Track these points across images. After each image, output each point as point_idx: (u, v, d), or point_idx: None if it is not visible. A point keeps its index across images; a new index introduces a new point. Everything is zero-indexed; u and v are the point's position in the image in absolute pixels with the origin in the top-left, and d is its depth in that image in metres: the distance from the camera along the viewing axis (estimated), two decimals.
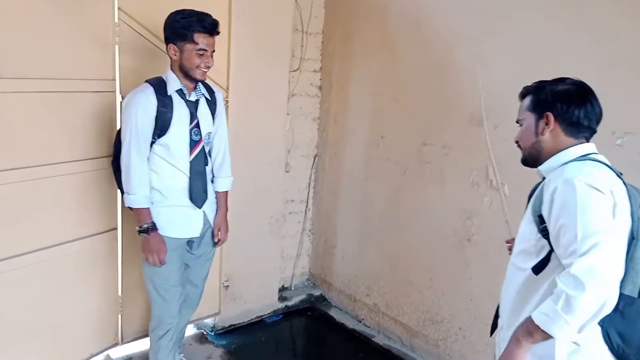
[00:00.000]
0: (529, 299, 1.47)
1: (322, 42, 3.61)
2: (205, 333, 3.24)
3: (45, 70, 2.18)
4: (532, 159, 1.55)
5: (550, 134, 1.48)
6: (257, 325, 3.42)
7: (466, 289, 2.79)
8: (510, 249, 1.74)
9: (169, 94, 2.20)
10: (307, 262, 3.94)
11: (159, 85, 2.19)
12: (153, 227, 2.23)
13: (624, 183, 1.40)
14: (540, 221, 1.43)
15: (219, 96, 2.46)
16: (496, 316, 1.69)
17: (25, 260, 2.24)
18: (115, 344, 2.74)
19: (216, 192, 2.51)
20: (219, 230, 2.53)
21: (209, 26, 2.14)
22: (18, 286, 2.24)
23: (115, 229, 2.58)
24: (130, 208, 2.26)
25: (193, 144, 2.28)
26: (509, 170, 2.49)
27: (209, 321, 3.25)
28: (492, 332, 1.73)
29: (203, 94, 2.33)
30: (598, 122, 1.48)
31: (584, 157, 1.44)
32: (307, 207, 3.80)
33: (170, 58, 2.20)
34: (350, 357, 3.27)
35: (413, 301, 3.11)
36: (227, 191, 2.55)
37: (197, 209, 2.36)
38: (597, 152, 1.48)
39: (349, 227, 3.56)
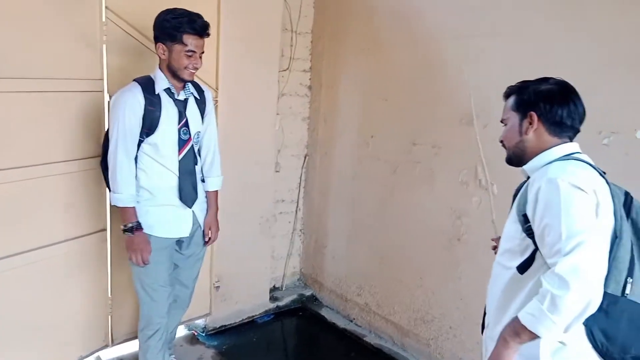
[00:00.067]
0: (514, 297, 1.48)
1: (311, 42, 3.61)
2: (196, 334, 3.23)
3: (30, 70, 2.17)
4: (517, 158, 1.56)
5: (534, 134, 1.49)
6: (248, 326, 3.41)
7: (456, 288, 2.79)
8: (494, 248, 1.75)
9: (156, 92, 2.19)
10: (298, 262, 3.94)
11: (146, 84, 2.18)
12: (138, 227, 2.22)
13: (607, 182, 1.41)
14: (525, 220, 1.43)
15: (208, 95, 2.45)
16: (485, 315, 1.70)
17: (13, 262, 2.22)
18: (106, 346, 2.72)
19: (206, 192, 2.51)
20: (210, 229, 2.52)
21: (199, 28, 2.13)
22: (5, 288, 2.22)
23: (105, 229, 2.56)
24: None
25: (182, 143, 2.27)
26: (498, 170, 2.50)
27: (200, 322, 3.24)
28: (482, 330, 1.73)
29: (192, 93, 2.33)
30: (581, 121, 1.50)
31: (567, 157, 1.45)
32: (297, 207, 3.80)
33: (159, 57, 2.19)
34: (342, 356, 3.27)
35: (404, 300, 3.11)
36: (217, 190, 2.54)
37: (187, 208, 2.35)
38: (580, 151, 1.49)
39: (339, 227, 3.56)
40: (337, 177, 3.54)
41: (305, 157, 3.76)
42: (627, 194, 1.44)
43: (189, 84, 2.30)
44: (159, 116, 2.19)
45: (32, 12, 2.14)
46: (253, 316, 3.47)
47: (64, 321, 2.49)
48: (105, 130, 2.31)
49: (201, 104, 2.38)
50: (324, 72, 3.55)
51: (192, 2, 2.26)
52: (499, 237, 1.63)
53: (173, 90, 2.23)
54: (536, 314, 1.30)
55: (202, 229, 2.48)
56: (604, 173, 1.46)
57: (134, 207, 2.22)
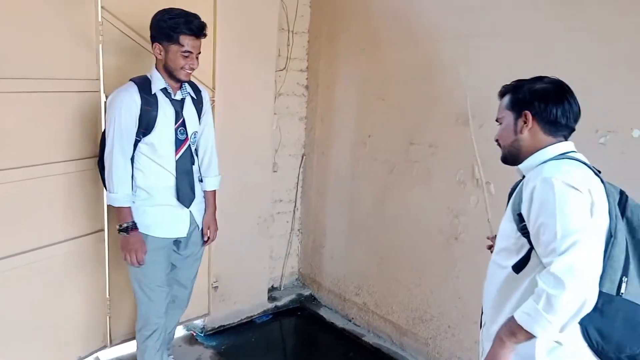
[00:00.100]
0: (510, 296, 1.48)
1: (308, 41, 3.61)
2: (194, 334, 3.23)
3: (26, 70, 2.16)
4: (512, 157, 1.56)
5: (529, 133, 1.49)
6: (246, 326, 3.41)
7: (454, 287, 2.80)
8: (490, 247, 1.75)
9: (153, 92, 2.18)
10: (296, 262, 3.94)
11: (143, 84, 2.18)
12: (133, 227, 2.22)
13: (602, 181, 1.41)
14: (520, 220, 1.43)
15: (206, 95, 2.45)
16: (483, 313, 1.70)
17: (11, 263, 2.22)
18: (104, 346, 2.72)
19: (204, 191, 2.51)
20: (208, 229, 2.53)
21: (196, 29, 2.13)
22: (4, 288, 2.22)
23: (102, 230, 2.56)
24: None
25: (179, 143, 2.27)
26: (495, 169, 2.49)
27: (199, 322, 3.24)
28: (481, 329, 1.74)
29: (189, 93, 2.33)
30: (576, 120, 1.49)
31: (562, 156, 1.45)
32: (295, 206, 3.80)
33: (156, 57, 2.19)
34: (341, 356, 3.27)
35: (402, 300, 3.12)
36: (215, 190, 2.54)
37: (185, 208, 2.35)
38: (575, 150, 1.49)
39: (337, 227, 3.56)
40: (335, 176, 3.54)
41: (302, 157, 3.76)
42: (622, 193, 1.44)
43: (186, 84, 2.30)
44: (156, 116, 2.19)
45: (27, 12, 2.13)
46: (251, 316, 3.47)
47: (62, 322, 2.48)
48: (102, 130, 2.31)
49: (198, 104, 2.38)
50: (321, 72, 3.55)
51: (188, 2, 2.26)
52: (495, 236, 1.63)
53: (170, 90, 2.23)
54: (532, 313, 1.30)
55: (200, 229, 2.48)
56: (599, 172, 1.46)
57: (129, 207, 2.22)
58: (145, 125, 2.17)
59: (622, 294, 1.34)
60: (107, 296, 2.65)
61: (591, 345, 1.36)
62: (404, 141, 3.00)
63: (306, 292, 3.83)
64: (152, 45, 2.18)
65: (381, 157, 3.17)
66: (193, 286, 2.64)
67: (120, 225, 2.22)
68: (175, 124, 2.25)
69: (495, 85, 1.61)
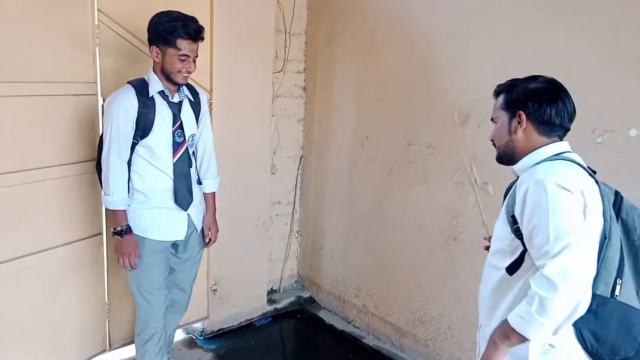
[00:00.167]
0: (504, 297, 1.47)
1: (305, 43, 3.61)
2: (194, 337, 3.22)
3: (23, 73, 2.16)
4: (507, 157, 1.55)
5: (523, 133, 1.48)
6: (246, 329, 3.40)
7: (453, 288, 2.79)
8: (487, 248, 1.74)
9: (150, 95, 2.18)
10: (295, 264, 3.93)
11: (140, 87, 2.18)
12: (127, 230, 2.21)
13: (597, 182, 1.40)
14: (513, 221, 1.43)
15: (203, 98, 2.45)
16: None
17: (9, 267, 2.21)
18: (103, 351, 2.71)
19: (204, 194, 2.51)
20: (209, 230, 2.53)
21: (193, 32, 2.12)
22: (2, 293, 2.21)
23: (101, 234, 2.56)
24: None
25: (176, 145, 2.26)
26: (493, 169, 2.50)
27: (198, 325, 3.23)
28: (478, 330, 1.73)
29: (186, 96, 2.32)
30: (571, 120, 1.48)
31: (556, 157, 1.43)
32: (294, 208, 3.79)
33: (153, 60, 2.19)
34: (341, 358, 3.26)
35: (401, 301, 3.11)
36: (214, 192, 2.55)
37: (182, 211, 2.34)
38: (570, 150, 1.48)
39: (336, 228, 3.56)
40: (333, 178, 3.54)
41: (301, 159, 3.76)
42: (617, 194, 1.43)
43: (184, 87, 2.29)
44: (153, 118, 2.18)
45: (24, 16, 2.13)
46: (251, 319, 3.46)
47: (61, 326, 2.48)
48: (100, 133, 2.31)
49: (196, 106, 2.37)
50: (319, 73, 3.55)
51: (185, 5, 2.26)
52: (491, 236, 1.63)
53: (167, 93, 2.23)
54: (525, 316, 1.30)
55: (198, 232, 2.47)
56: (595, 172, 1.46)
57: (124, 211, 2.21)
58: (143, 128, 2.17)
59: (616, 296, 1.33)
60: (106, 300, 2.65)
61: (585, 348, 1.36)
62: (402, 142, 3.00)
63: (305, 295, 3.83)
64: (149, 48, 2.18)
65: (379, 158, 3.17)
66: (192, 290, 2.63)
67: (115, 229, 2.21)
68: (173, 126, 2.25)
69: (492, 85, 1.61)
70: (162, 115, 2.21)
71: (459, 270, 2.75)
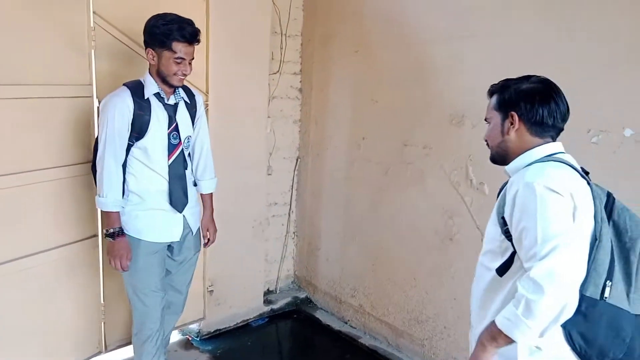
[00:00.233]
0: (494, 298, 1.48)
1: (301, 45, 3.61)
2: (190, 339, 3.22)
3: (19, 76, 2.16)
4: (500, 158, 1.55)
5: (516, 134, 1.48)
6: (242, 330, 3.41)
7: (449, 287, 2.80)
8: None
9: (146, 97, 2.18)
10: (291, 265, 3.94)
11: (136, 88, 2.18)
12: (120, 233, 2.21)
13: (589, 183, 1.40)
14: (504, 223, 1.43)
15: (199, 100, 2.45)
16: None
17: (4, 269, 2.21)
18: (99, 352, 2.70)
19: (202, 195, 2.52)
20: (208, 231, 2.54)
21: (189, 35, 2.12)
22: None
23: (96, 235, 2.55)
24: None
25: (172, 147, 2.26)
26: (489, 170, 2.51)
27: (194, 326, 3.23)
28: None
29: (182, 98, 2.32)
30: (564, 120, 1.48)
31: (548, 158, 1.43)
32: (290, 209, 3.80)
33: (149, 62, 2.19)
34: (337, 358, 3.27)
35: (398, 301, 3.12)
36: (212, 193, 2.55)
37: (178, 213, 2.34)
38: (563, 151, 1.48)
39: (332, 229, 3.56)
40: (329, 179, 3.54)
41: (297, 160, 3.76)
42: (609, 195, 1.43)
43: (180, 89, 2.30)
44: (149, 120, 2.18)
45: (19, 18, 2.13)
46: (247, 320, 3.46)
47: (56, 328, 2.47)
48: (96, 135, 2.30)
49: (192, 108, 2.37)
50: (315, 75, 3.55)
51: (180, 7, 2.26)
52: None
53: (163, 95, 2.23)
54: (512, 318, 1.30)
55: (194, 234, 2.47)
56: (587, 173, 1.46)
57: (118, 213, 2.21)
58: (138, 130, 2.17)
59: (605, 298, 1.33)
60: (102, 302, 2.64)
61: (574, 349, 1.36)
62: (398, 143, 3.01)
63: (302, 295, 3.83)
64: (145, 51, 2.18)
65: (375, 158, 3.18)
66: (188, 291, 2.63)
67: (107, 230, 2.21)
68: (168, 128, 2.24)
69: (488, 86, 1.61)
70: (158, 117, 2.21)
71: (455, 270, 2.76)
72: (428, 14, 2.80)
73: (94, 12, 2.34)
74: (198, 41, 2.18)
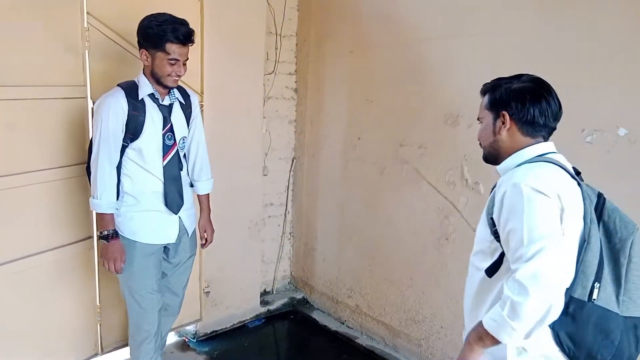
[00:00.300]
0: (484, 298, 1.48)
1: (296, 45, 3.61)
2: (187, 340, 3.21)
3: (13, 77, 2.15)
4: (492, 157, 1.55)
5: (507, 133, 1.47)
6: (239, 331, 3.40)
7: (446, 287, 2.80)
8: None
9: (140, 97, 2.17)
10: (288, 266, 3.93)
11: (130, 89, 2.17)
12: (114, 235, 2.19)
13: (579, 184, 1.40)
14: (493, 224, 1.43)
15: (194, 100, 2.44)
16: None
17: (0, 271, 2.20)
18: (95, 354, 2.70)
19: (198, 196, 2.52)
20: (205, 232, 2.53)
21: (183, 37, 2.10)
22: None
23: (91, 237, 2.54)
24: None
25: (166, 148, 2.25)
26: (484, 169, 2.51)
27: (191, 328, 3.22)
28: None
29: (177, 98, 2.31)
30: (556, 119, 1.47)
31: (538, 158, 1.43)
32: (286, 210, 3.79)
33: (143, 62, 2.18)
34: (334, 359, 3.26)
35: (394, 301, 3.12)
36: (208, 193, 2.55)
37: (173, 214, 2.33)
38: (555, 150, 1.47)
39: (328, 229, 3.56)
40: (325, 179, 3.54)
41: (293, 160, 3.76)
42: (599, 196, 1.42)
43: (175, 89, 2.28)
44: (143, 121, 2.17)
45: (12, 19, 2.12)
46: (244, 321, 3.45)
47: (52, 330, 2.47)
48: (90, 136, 2.29)
49: (187, 109, 2.36)
50: (310, 75, 3.55)
51: (174, 7, 2.25)
52: None
53: (157, 96, 2.22)
54: (498, 319, 1.30)
55: (189, 235, 2.46)
56: (579, 173, 1.45)
57: (112, 215, 2.20)
58: (133, 131, 2.16)
59: (594, 300, 1.33)
60: (98, 303, 2.64)
61: (563, 350, 1.36)
62: (393, 142, 3.01)
63: (299, 296, 3.82)
64: (139, 51, 2.17)
65: (371, 158, 3.18)
66: (184, 293, 2.62)
67: (101, 233, 2.20)
68: (163, 129, 2.23)
69: (480, 85, 1.61)
70: (152, 117, 2.20)
71: (452, 269, 2.76)
72: (423, 14, 2.80)
73: (87, 13, 2.33)
74: (192, 42, 2.17)
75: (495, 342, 1.33)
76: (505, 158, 1.49)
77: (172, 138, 2.27)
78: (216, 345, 3.21)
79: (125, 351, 2.66)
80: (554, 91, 1.46)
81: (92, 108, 2.27)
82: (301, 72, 3.62)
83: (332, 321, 3.55)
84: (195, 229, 2.53)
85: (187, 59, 2.18)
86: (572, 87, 1.97)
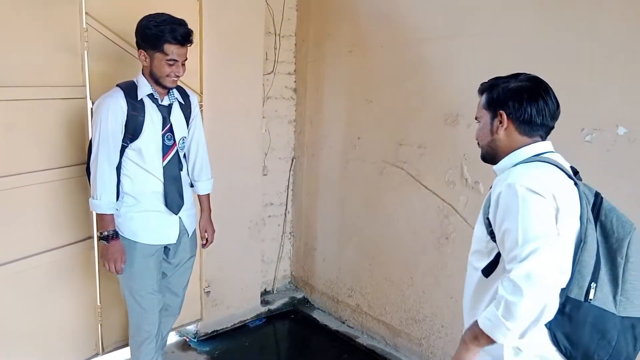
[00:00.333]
0: (482, 298, 1.48)
1: (295, 45, 3.61)
2: (187, 340, 3.22)
3: (11, 77, 2.15)
4: (490, 157, 1.54)
5: (505, 132, 1.47)
6: (240, 331, 3.40)
7: (446, 286, 2.80)
8: None
9: (139, 98, 2.17)
10: (288, 265, 3.93)
11: (129, 89, 2.17)
12: (114, 236, 2.19)
13: (576, 183, 1.39)
14: (489, 223, 1.43)
15: (194, 100, 2.43)
16: None
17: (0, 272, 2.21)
18: (96, 354, 2.70)
19: (199, 196, 2.52)
20: (206, 232, 2.53)
21: (181, 37, 2.10)
22: None
23: (91, 237, 2.55)
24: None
25: (166, 148, 2.25)
26: (484, 168, 2.51)
27: (191, 328, 3.22)
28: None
29: (176, 98, 2.31)
30: (554, 118, 1.46)
31: (535, 158, 1.42)
32: (286, 209, 3.79)
33: (141, 63, 2.18)
34: (335, 358, 3.27)
35: (395, 300, 3.12)
36: (209, 194, 2.55)
37: (173, 214, 2.33)
38: (552, 150, 1.47)
39: (328, 229, 3.56)
40: (325, 179, 3.54)
41: (292, 160, 3.76)
42: (597, 195, 1.42)
43: (174, 89, 2.28)
44: (143, 121, 2.17)
45: (11, 19, 2.12)
46: (244, 320, 3.46)
47: (53, 330, 2.47)
48: (90, 137, 2.29)
49: (186, 109, 2.36)
50: (309, 75, 3.55)
51: (173, 7, 2.25)
52: None
53: (156, 96, 2.21)
54: (492, 319, 1.30)
55: (190, 236, 2.46)
56: (577, 172, 1.45)
57: (111, 215, 2.19)
58: (132, 131, 2.16)
59: (590, 300, 1.32)
60: (98, 303, 2.64)
61: (560, 350, 1.36)
62: (393, 142, 3.01)
63: (299, 295, 3.83)
64: (137, 52, 2.17)
65: (371, 158, 3.18)
66: (185, 294, 2.62)
67: (101, 233, 2.20)
68: (163, 129, 2.23)
69: (479, 84, 1.61)
70: (152, 118, 2.20)
71: (452, 269, 2.76)
72: (423, 14, 2.80)
73: (86, 13, 2.33)
74: (191, 42, 2.16)
75: (491, 341, 1.33)
76: (503, 157, 1.49)
77: (172, 138, 2.27)
78: (217, 345, 3.21)
79: (126, 351, 2.66)
80: (552, 90, 1.46)
81: (92, 108, 2.26)
82: (300, 72, 3.62)
83: (333, 321, 3.55)
84: (195, 230, 2.53)
85: (186, 59, 2.18)
86: (572, 86, 1.97)
